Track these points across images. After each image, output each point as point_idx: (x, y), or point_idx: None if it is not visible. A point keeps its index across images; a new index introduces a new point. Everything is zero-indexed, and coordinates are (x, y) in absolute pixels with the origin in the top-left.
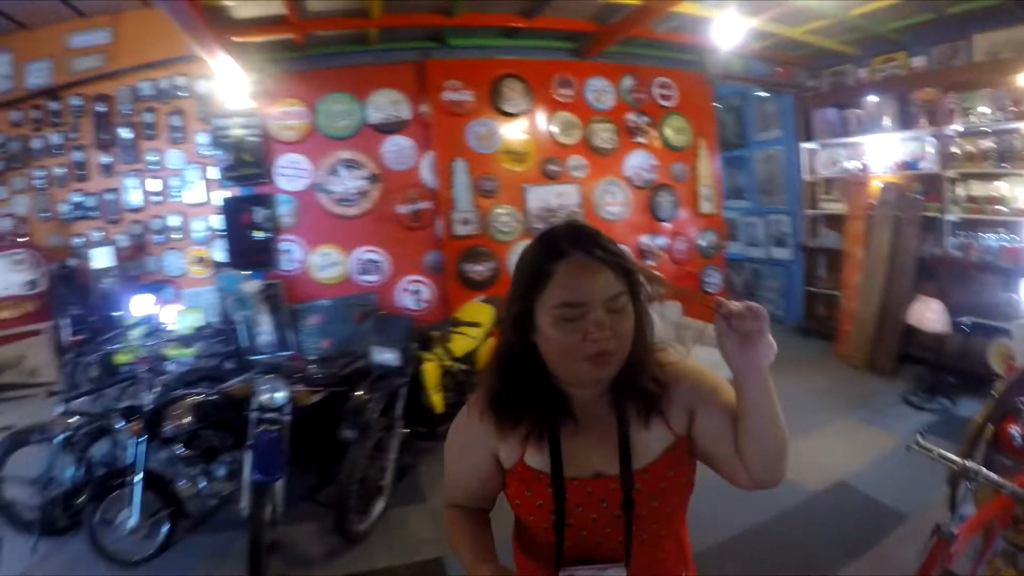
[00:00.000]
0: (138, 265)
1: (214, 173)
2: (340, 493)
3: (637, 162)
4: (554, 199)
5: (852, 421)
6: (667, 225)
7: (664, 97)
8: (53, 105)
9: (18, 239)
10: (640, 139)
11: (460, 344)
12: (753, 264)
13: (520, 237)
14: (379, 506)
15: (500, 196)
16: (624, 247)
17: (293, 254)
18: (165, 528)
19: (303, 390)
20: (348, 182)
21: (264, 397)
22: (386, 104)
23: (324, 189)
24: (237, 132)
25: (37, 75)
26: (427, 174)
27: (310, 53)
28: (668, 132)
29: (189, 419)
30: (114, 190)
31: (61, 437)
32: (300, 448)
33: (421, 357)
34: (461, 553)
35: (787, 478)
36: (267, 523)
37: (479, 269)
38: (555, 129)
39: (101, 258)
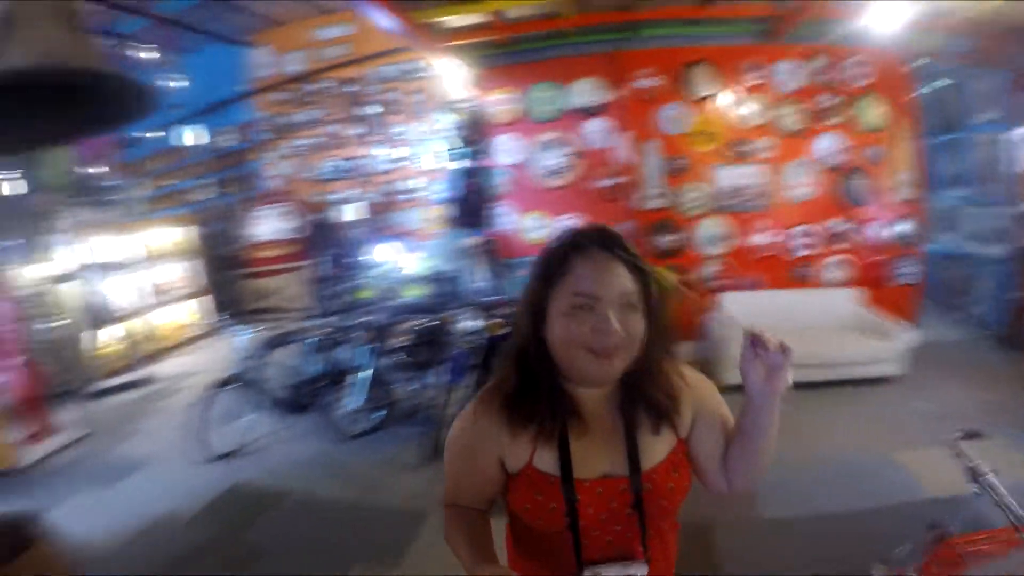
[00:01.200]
0: (382, 219)
1: (445, 147)
2: None
3: (827, 144)
4: (742, 179)
5: None
6: (859, 210)
7: (858, 77)
8: (310, 87)
9: (284, 195)
10: (831, 120)
11: None
12: (961, 260)
13: (708, 213)
14: None
15: (689, 175)
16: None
17: (507, 217)
18: (378, 415)
19: (496, 322)
20: (554, 158)
21: (463, 324)
22: (586, 90)
23: (534, 164)
24: (461, 116)
25: (295, 63)
26: (623, 152)
27: (521, 48)
28: (862, 113)
29: (408, 337)
30: (364, 157)
31: (312, 340)
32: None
33: None
34: (461, 553)
35: None
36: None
37: (667, 240)
38: (743, 111)
39: (352, 212)
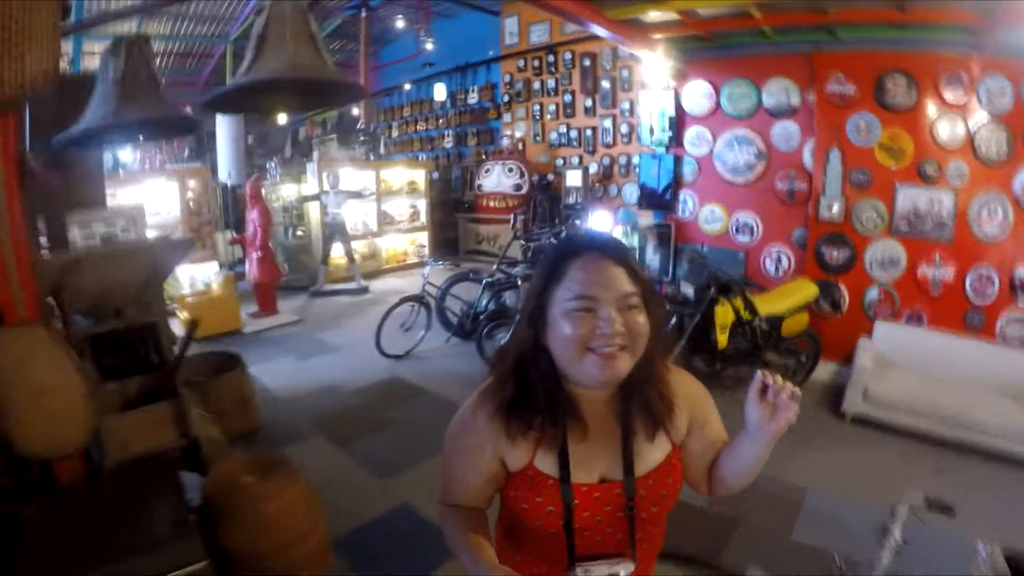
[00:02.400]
0: (598, 188)
1: (648, 131)
2: None
3: None
4: (924, 203)
5: None
6: None
7: None
8: (550, 58)
9: (514, 154)
10: None
11: (767, 304)
12: None
13: (881, 234)
14: None
15: (869, 189)
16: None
17: (688, 205)
18: None
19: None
20: (740, 155)
21: None
22: (778, 91)
23: (720, 158)
24: (659, 105)
25: (538, 35)
26: (807, 158)
27: (719, 44)
28: None
29: None
30: (592, 128)
31: (486, 280)
32: None
33: (716, 299)
34: (460, 552)
35: None
36: None
37: (835, 255)
38: (938, 129)
39: (573, 178)
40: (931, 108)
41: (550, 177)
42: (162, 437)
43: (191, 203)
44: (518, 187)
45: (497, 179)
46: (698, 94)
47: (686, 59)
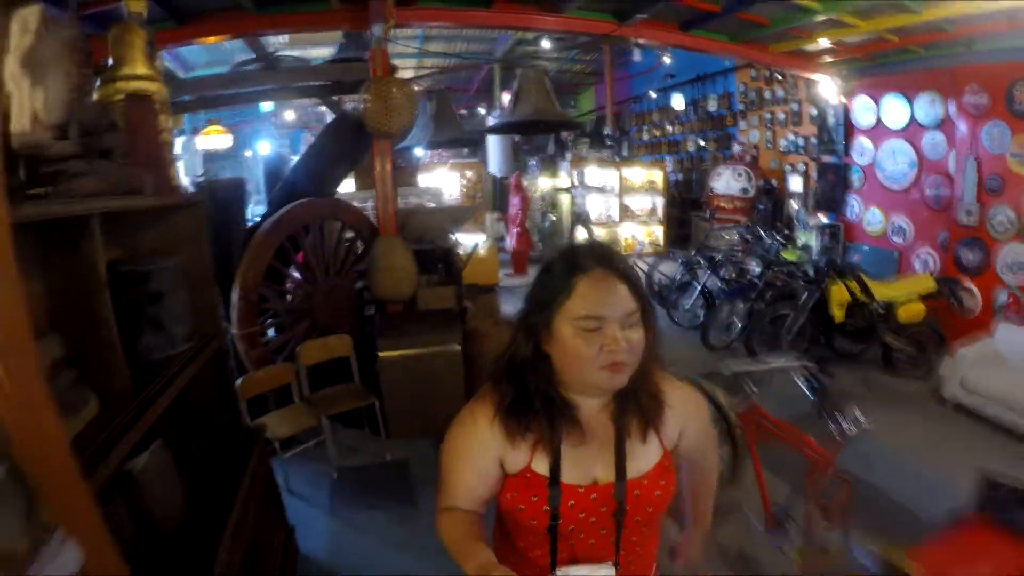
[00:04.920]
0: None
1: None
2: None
3: None
4: None
5: None
6: None
7: None
8: (778, 70)
9: (746, 159)
10: None
11: (882, 290)
12: None
13: (1013, 238)
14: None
15: (1003, 196)
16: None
17: (854, 208)
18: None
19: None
20: (897, 164)
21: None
22: (927, 104)
23: (880, 166)
24: (830, 118)
25: None
26: (951, 165)
27: (878, 63)
28: None
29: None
30: (813, 136)
31: (684, 261)
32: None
33: (832, 279)
34: (459, 556)
35: None
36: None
37: (970, 256)
38: None
39: (795, 183)
40: None
41: (773, 182)
42: (446, 302)
43: (465, 189)
44: (745, 191)
45: (727, 183)
46: (861, 108)
47: (851, 78)
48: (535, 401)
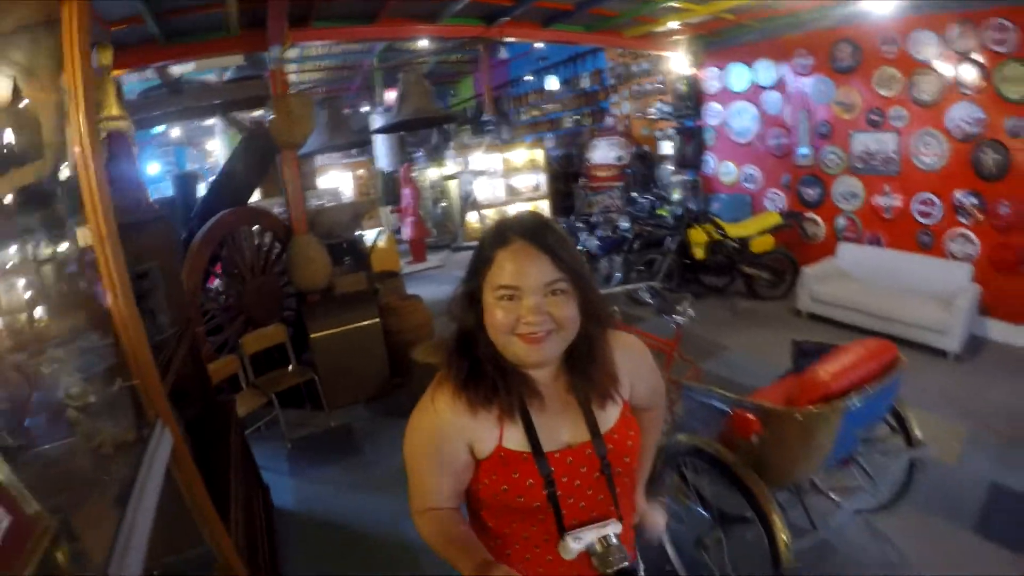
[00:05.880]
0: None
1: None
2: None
3: (959, 114)
4: (873, 144)
5: None
6: (989, 185)
7: (998, 42)
8: None
9: (620, 130)
10: (965, 90)
11: (734, 229)
12: None
13: (842, 172)
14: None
15: (831, 139)
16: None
17: (710, 163)
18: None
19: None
20: (743, 122)
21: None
22: (764, 69)
23: (729, 125)
24: (684, 87)
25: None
26: (787, 118)
27: (721, 38)
28: (1001, 82)
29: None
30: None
31: (564, 226)
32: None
33: (689, 224)
34: (452, 558)
35: None
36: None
37: (810, 192)
38: (877, 83)
39: (667, 147)
40: (871, 66)
41: (646, 148)
42: (359, 287)
43: (359, 186)
44: (620, 158)
45: (603, 153)
46: (710, 77)
47: (699, 52)
48: (488, 367)
